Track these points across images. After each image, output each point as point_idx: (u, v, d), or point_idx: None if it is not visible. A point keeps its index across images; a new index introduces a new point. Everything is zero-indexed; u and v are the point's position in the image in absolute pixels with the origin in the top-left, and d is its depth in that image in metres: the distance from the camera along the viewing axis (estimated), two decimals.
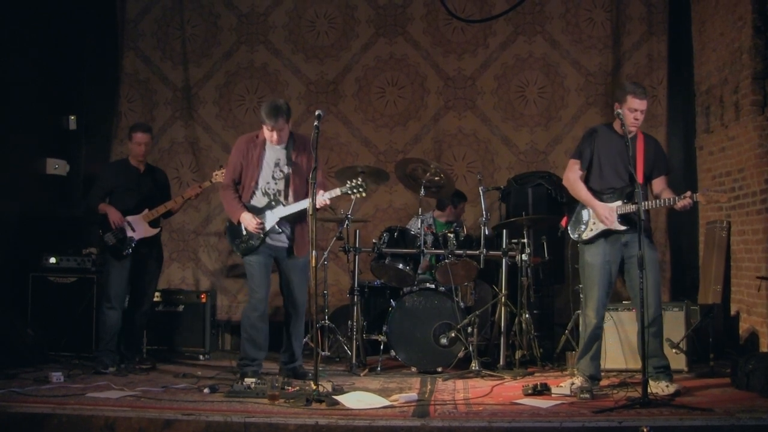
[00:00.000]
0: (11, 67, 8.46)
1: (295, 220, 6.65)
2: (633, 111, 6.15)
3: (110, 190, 7.54)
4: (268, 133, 6.56)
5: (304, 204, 6.32)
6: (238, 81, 9.56)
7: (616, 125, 6.30)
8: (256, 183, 6.65)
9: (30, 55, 8.77)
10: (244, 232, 6.64)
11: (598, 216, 6.18)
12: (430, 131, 9.34)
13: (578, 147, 6.44)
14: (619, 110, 6.17)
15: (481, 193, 7.60)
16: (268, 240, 6.63)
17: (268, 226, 6.58)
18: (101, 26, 9.73)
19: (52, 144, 9.31)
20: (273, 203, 6.62)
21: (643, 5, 9.03)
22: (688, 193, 6.01)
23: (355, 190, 6.38)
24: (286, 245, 6.70)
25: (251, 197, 6.67)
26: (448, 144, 9.30)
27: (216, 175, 7.45)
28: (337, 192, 6.45)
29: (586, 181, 6.36)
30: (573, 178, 6.37)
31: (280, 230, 6.62)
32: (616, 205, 6.14)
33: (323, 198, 6.39)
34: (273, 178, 6.66)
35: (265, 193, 6.65)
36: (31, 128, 8.92)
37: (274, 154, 6.66)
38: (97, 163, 9.12)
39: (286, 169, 6.66)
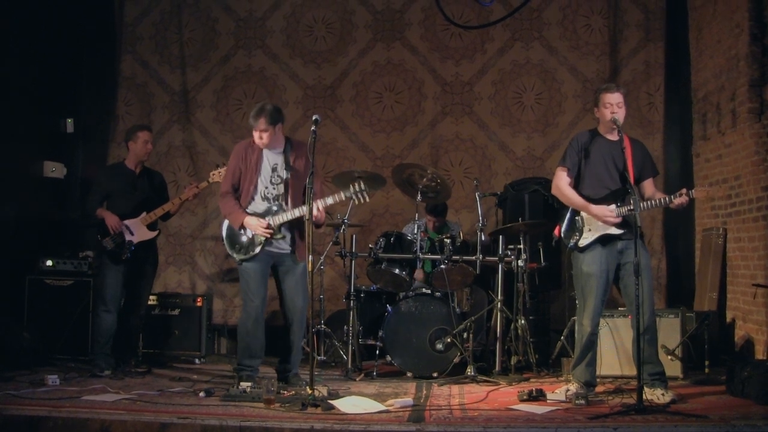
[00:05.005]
0: (9, 70, 8.46)
1: (294, 226, 6.62)
2: (609, 105, 6.19)
3: (107, 193, 7.53)
4: (255, 134, 6.55)
5: (305, 210, 6.25)
6: (235, 85, 9.57)
7: (602, 130, 6.33)
8: (255, 187, 6.61)
9: (28, 58, 8.76)
10: (244, 238, 6.61)
11: (599, 218, 6.15)
12: (427, 136, 9.35)
13: (565, 155, 6.42)
14: (598, 114, 6.30)
15: (478, 199, 7.60)
16: (267, 247, 6.60)
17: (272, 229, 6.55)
18: (99, 30, 9.73)
19: (50, 147, 9.31)
20: (274, 208, 6.60)
21: (641, 12, 9.06)
22: (684, 191, 6.04)
23: (358, 195, 6.36)
24: (288, 251, 6.65)
25: (250, 203, 6.62)
26: (445, 149, 9.31)
27: (213, 174, 7.38)
28: (341, 197, 6.40)
29: (577, 188, 6.33)
30: (563, 185, 6.34)
31: (283, 235, 6.60)
32: (613, 208, 6.14)
33: (319, 205, 6.38)
34: (271, 182, 6.64)
35: (265, 198, 6.62)
36: (29, 131, 8.92)
37: (272, 158, 6.65)
38: (94, 166, 9.11)
39: (284, 174, 6.64)
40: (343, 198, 6.43)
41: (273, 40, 9.56)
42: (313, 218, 6.26)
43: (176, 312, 8.43)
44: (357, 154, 9.38)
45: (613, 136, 6.27)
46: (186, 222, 9.37)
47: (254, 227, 6.52)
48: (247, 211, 6.59)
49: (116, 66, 9.70)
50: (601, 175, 6.25)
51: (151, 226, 7.51)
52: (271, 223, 6.52)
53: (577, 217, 6.31)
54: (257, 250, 6.57)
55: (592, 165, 6.29)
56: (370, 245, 7.63)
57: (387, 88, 9.44)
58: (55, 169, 9.22)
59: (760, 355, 7.17)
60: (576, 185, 6.33)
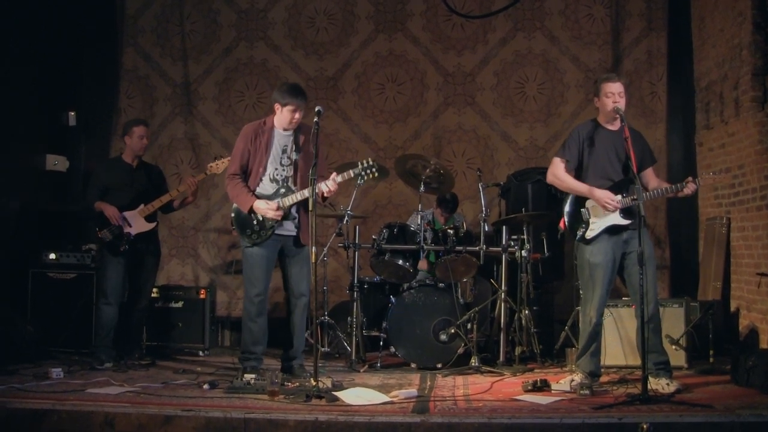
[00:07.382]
0: (11, 64, 8.45)
1: (301, 207, 6.57)
2: (610, 95, 6.16)
3: (105, 187, 7.52)
4: (289, 115, 6.49)
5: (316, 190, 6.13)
6: (237, 77, 9.55)
7: (602, 120, 6.31)
8: (264, 168, 6.57)
9: (30, 51, 8.75)
10: (255, 222, 6.56)
11: (599, 202, 6.11)
12: (429, 127, 9.34)
13: (565, 145, 6.38)
14: (598, 104, 6.27)
15: (481, 190, 7.60)
16: (277, 230, 6.55)
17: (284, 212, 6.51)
18: (101, 22, 9.72)
19: (52, 140, 9.31)
20: (282, 190, 6.55)
21: (643, 1, 9.04)
22: (690, 178, 6.02)
23: (367, 171, 6.33)
24: (294, 233, 6.63)
25: (258, 184, 6.58)
26: (448, 140, 9.30)
27: (211, 167, 7.38)
28: (350, 174, 6.38)
29: (579, 179, 6.28)
30: (560, 173, 6.29)
31: (294, 216, 6.57)
32: (618, 198, 6.11)
33: (331, 182, 6.35)
34: (281, 164, 6.60)
35: (273, 180, 6.58)
36: (31, 124, 8.92)
37: (281, 140, 6.61)
38: (96, 159, 9.12)
39: (294, 156, 6.62)
40: (352, 175, 6.40)
41: (275, 32, 9.54)
42: (326, 192, 6.32)
43: (179, 304, 8.43)
44: (359, 146, 9.37)
45: (614, 126, 6.25)
46: (189, 214, 9.35)
47: (264, 211, 6.48)
48: (255, 193, 6.56)
49: (118, 58, 9.68)
50: (604, 167, 6.23)
51: (149, 218, 7.51)
52: (281, 204, 6.50)
53: (582, 209, 6.27)
54: (269, 233, 6.54)
55: (594, 156, 6.26)
56: (373, 236, 7.62)
57: (389, 79, 9.42)
58: (57, 162, 9.22)
59: (764, 345, 7.16)
60: (578, 177, 6.30)
